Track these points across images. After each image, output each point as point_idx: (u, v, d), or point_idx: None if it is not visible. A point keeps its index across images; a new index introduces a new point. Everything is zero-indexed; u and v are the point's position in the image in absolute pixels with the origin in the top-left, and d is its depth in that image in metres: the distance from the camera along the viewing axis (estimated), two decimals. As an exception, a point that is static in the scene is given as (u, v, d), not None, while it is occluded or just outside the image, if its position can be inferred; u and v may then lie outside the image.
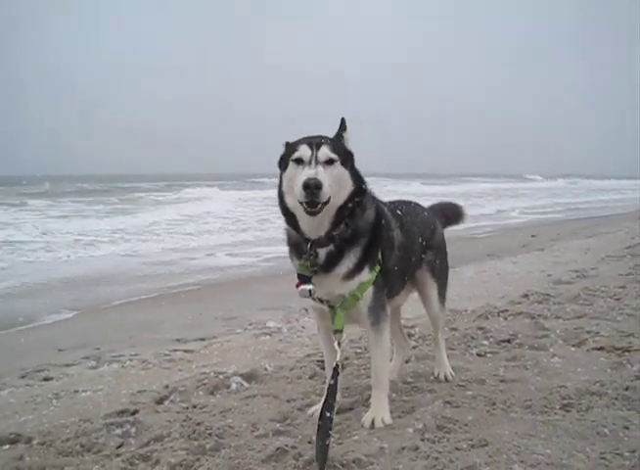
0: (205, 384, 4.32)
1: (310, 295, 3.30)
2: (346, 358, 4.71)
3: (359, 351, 4.93)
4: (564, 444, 3.03)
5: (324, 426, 3.02)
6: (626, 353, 4.45)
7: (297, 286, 3.34)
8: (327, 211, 3.15)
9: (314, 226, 3.23)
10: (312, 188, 2.97)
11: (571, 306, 6.03)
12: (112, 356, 5.80)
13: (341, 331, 3.39)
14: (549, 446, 2.99)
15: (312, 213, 3.08)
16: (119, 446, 3.40)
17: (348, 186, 3.25)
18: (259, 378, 4.44)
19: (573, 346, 4.73)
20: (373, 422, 3.40)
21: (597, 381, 3.86)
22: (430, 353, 4.57)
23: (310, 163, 3.10)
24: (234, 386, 4.30)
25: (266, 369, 4.59)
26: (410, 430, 3.28)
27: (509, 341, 4.83)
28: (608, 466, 2.80)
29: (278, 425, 3.51)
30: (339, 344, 3.38)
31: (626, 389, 3.71)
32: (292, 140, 3.32)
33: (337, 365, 3.32)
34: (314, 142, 3.19)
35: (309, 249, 3.26)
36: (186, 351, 5.83)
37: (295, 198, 3.14)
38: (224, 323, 7.35)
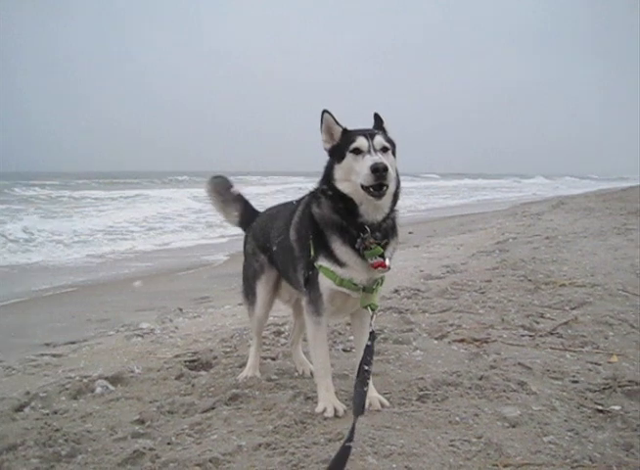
0: (67, 389, 4.18)
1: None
2: (214, 358, 4.71)
3: (228, 350, 4.91)
4: (417, 434, 3.14)
5: (362, 377, 3.17)
6: (484, 345, 4.65)
7: (383, 266, 3.39)
8: (386, 197, 3.34)
9: (375, 211, 3.39)
10: (381, 171, 3.16)
11: (438, 301, 6.24)
12: (-27, 365, 5.51)
13: (375, 307, 3.55)
14: (403, 437, 3.09)
15: (380, 197, 3.26)
16: (-33, 460, 3.24)
17: (396, 174, 3.45)
18: (125, 380, 4.34)
19: (436, 339, 4.89)
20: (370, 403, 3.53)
21: (454, 372, 4.02)
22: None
23: (369, 151, 3.30)
24: (99, 389, 4.18)
25: (133, 371, 4.48)
26: (270, 426, 3.31)
27: (375, 336, 4.90)
28: (456, 452, 2.93)
29: (137, 427, 3.46)
30: (372, 317, 3.53)
31: (480, 378, 3.88)
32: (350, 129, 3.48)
33: (372, 331, 3.47)
34: (368, 133, 3.39)
35: (369, 232, 3.37)
36: (54, 355, 5.61)
37: (353, 184, 3.31)
38: (97, 326, 7.17)
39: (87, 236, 17.32)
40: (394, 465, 2.80)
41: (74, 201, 31.77)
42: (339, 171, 3.38)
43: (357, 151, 3.31)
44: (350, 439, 2.68)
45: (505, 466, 2.80)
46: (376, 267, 3.38)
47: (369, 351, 3.31)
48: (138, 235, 17.84)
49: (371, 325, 3.49)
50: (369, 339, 3.41)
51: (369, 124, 3.58)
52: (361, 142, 3.32)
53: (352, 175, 3.29)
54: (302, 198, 3.85)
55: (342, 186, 3.36)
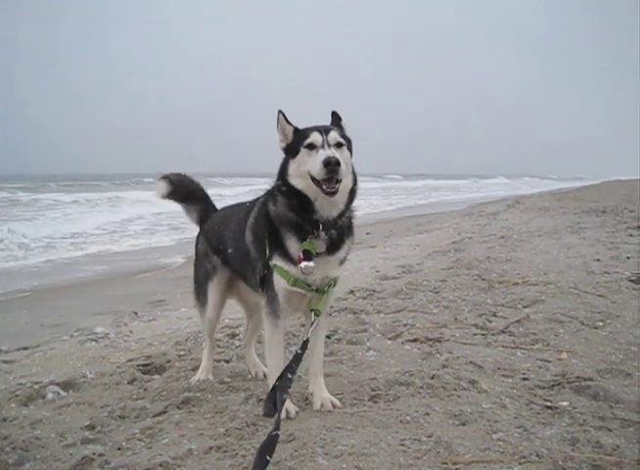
0: (18, 395, 4.10)
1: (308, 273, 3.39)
2: (168, 361, 4.67)
3: (182, 353, 4.88)
4: (368, 433, 3.15)
5: (283, 385, 3.17)
6: (437, 344, 4.69)
7: (299, 260, 3.37)
8: (341, 193, 3.35)
9: (330, 207, 3.40)
10: (333, 165, 3.18)
11: (392, 301, 6.27)
12: None
13: (319, 313, 3.57)
14: (354, 437, 3.10)
15: (332, 193, 3.26)
16: None
17: (352, 171, 3.51)
18: (77, 386, 4.28)
19: (390, 339, 4.91)
20: (322, 404, 3.58)
21: (407, 371, 4.05)
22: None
23: (323, 146, 3.32)
24: (50, 395, 4.11)
25: (85, 376, 4.42)
26: (221, 429, 3.30)
27: (329, 337, 4.91)
28: (406, 451, 2.95)
29: (87, 433, 3.41)
30: (312, 323, 3.54)
31: (432, 377, 3.91)
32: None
33: (307, 339, 3.48)
34: (323, 128, 3.42)
35: (321, 229, 3.39)
36: (5, 361, 5.49)
37: (306, 180, 3.33)
38: (51, 330, 7.06)
39: (49, 240, 16.99)
40: (344, 465, 2.81)
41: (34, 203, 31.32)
42: (292, 166, 3.40)
43: (311, 146, 3.33)
44: (277, 428, 2.87)
45: (454, 464, 2.82)
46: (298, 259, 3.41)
47: (296, 358, 3.35)
48: (97, 239, 17.57)
49: (309, 332, 3.52)
50: (301, 347, 3.45)
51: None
52: (315, 137, 3.34)
53: (312, 168, 3.28)
54: (257, 199, 3.84)
55: (296, 182, 3.38)
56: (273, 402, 3.11)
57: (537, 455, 2.88)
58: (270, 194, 3.59)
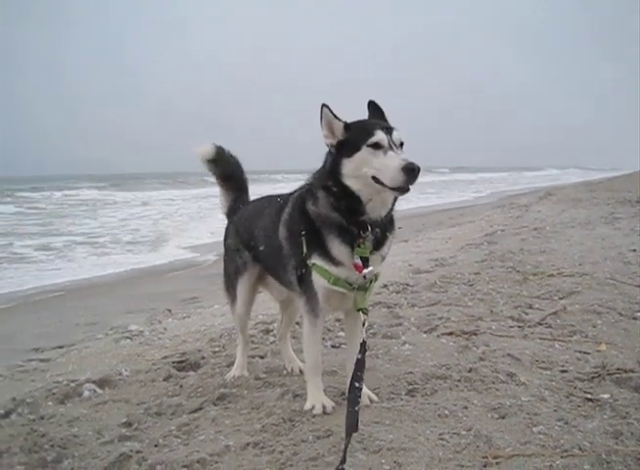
0: (54, 394, 4.13)
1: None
2: (203, 358, 4.68)
3: (217, 349, 4.88)
4: (406, 428, 3.12)
5: (353, 395, 3.05)
6: (473, 337, 4.64)
7: (360, 270, 3.27)
8: None
9: (381, 208, 3.28)
10: (416, 172, 3.00)
11: (426, 294, 6.22)
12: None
13: (367, 311, 3.44)
14: (392, 432, 3.07)
15: (403, 192, 3.11)
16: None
17: None
18: (113, 383, 4.29)
19: (425, 332, 4.87)
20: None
21: (443, 365, 4.00)
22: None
23: (391, 147, 3.12)
24: (86, 393, 4.13)
25: (121, 374, 4.44)
26: (258, 425, 3.29)
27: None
28: (445, 446, 2.91)
29: (124, 430, 3.42)
30: (363, 323, 3.39)
31: (469, 371, 3.86)
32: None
33: (364, 341, 3.31)
34: (384, 126, 3.23)
35: (370, 230, 3.27)
36: (42, 360, 5.58)
37: (366, 181, 3.14)
38: (85, 329, 7.14)
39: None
40: (383, 460, 2.78)
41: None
42: (348, 166, 3.20)
43: (377, 146, 3.12)
44: (343, 461, 2.67)
45: (494, 458, 2.78)
46: (354, 267, 3.29)
47: (359, 364, 3.21)
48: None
49: (362, 333, 3.36)
50: (359, 351, 3.28)
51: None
52: (380, 136, 3.13)
53: (366, 170, 3.13)
54: (290, 194, 3.75)
55: (352, 182, 3.20)
56: (353, 418, 2.94)
57: (580, 449, 2.83)
58: (309, 192, 3.45)
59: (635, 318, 4.98)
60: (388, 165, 3.06)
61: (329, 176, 3.30)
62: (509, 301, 5.72)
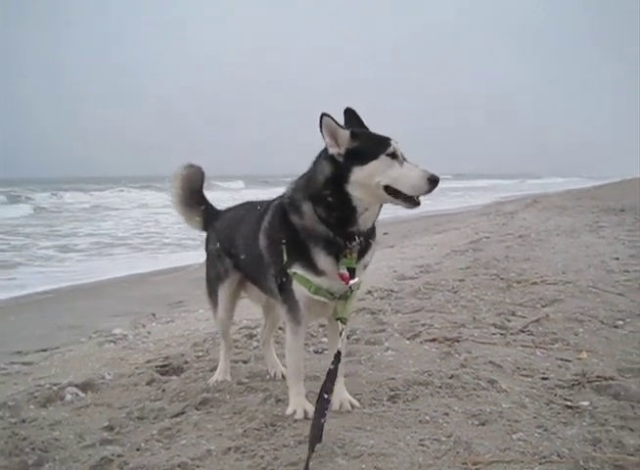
0: (37, 397, 4.11)
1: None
2: (186, 362, 4.68)
3: (200, 354, 4.89)
4: (387, 434, 3.13)
5: (321, 407, 3.05)
6: (456, 343, 4.66)
7: (347, 280, 3.28)
8: None
9: (371, 218, 3.34)
10: (437, 183, 3.11)
11: (410, 301, 6.25)
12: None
13: (345, 321, 3.45)
14: (373, 437, 3.08)
15: (417, 206, 3.21)
16: None
17: None
18: (96, 387, 4.28)
19: (408, 339, 4.88)
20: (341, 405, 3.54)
21: (425, 371, 4.02)
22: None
23: (404, 158, 3.20)
24: (69, 397, 4.12)
25: (104, 378, 4.43)
26: (240, 430, 3.29)
27: (347, 337, 4.89)
28: (425, 451, 2.92)
29: (106, 434, 3.41)
30: (340, 333, 3.40)
31: (451, 377, 3.88)
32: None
33: (338, 352, 3.32)
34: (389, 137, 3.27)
35: (357, 240, 3.29)
36: (24, 363, 5.54)
37: (376, 190, 3.17)
38: (69, 332, 7.08)
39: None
40: (364, 466, 2.79)
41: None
42: (359, 174, 3.16)
43: (394, 155, 3.16)
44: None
45: (474, 464, 2.80)
46: (340, 277, 3.29)
47: (330, 375, 3.22)
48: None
49: (339, 342, 3.38)
50: (332, 362, 3.29)
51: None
52: (395, 146, 3.18)
53: (379, 179, 3.14)
54: (270, 201, 3.73)
55: (357, 190, 3.18)
56: (317, 430, 2.95)
57: (558, 455, 2.85)
58: (291, 204, 3.41)
59: (616, 326, 5.02)
60: (408, 175, 3.13)
61: (326, 185, 3.26)
62: (492, 308, 5.75)
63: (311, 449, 2.82)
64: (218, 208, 4.50)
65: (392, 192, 3.15)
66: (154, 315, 7.40)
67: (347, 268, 3.28)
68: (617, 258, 8.16)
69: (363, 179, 3.16)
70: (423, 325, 5.22)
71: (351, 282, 3.27)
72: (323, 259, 3.30)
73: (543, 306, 5.73)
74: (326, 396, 3.12)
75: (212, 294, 4.22)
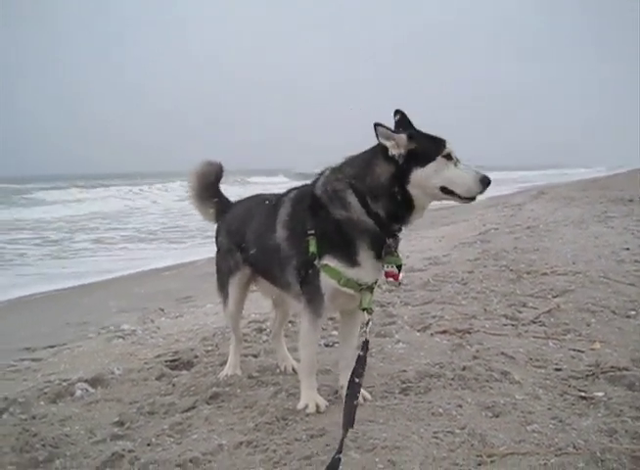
0: (46, 393, 4.10)
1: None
2: (196, 357, 4.65)
3: (210, 348, 4.86)
4: (400, 426, 3.11)
5: (352, 391, 3.05)
6: (467, 335, 4.63)
7: (397, 278, 3.37)
8: None
9: (422, 215, 3.38)
10: (490, 184, 3.22)
11: (420, 293, 6.21)
12: (-50, 373, 5.41)
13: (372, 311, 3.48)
14: (386, 430, 3.06)
15: (472, 201, 3.28)
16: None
17: None
18: (105, 382, 4.26)
19: (418, 331, 4.86)
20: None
21: (437, 363, 4.00)
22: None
23: (457, 159, 3.25)
24: (78, 392, 4.11)
25: (113, 373, 4.41)
26: (251, 424, 3.28)
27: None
28: (439, 444, 2.90)
29: (117, 429, 3.41)
30: (367, 323, 3.41)
31: (463, 369, 3.85)
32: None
33: (367, 340, 3.33)
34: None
35: (398, 236, 3.39)
36: (34, 359, 5.53)
37: (433, 190, 3.22)
38: (77, 328, 7.06)
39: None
40: (377, 459, 2.77)
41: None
42: (419, 175, 3.20)
43: (449, 157, 3.22)
44: (340, 451, 2.66)
45: (489, 456, 2.78)
46: (387, 276, 3.35)
47: (361, 362, 3.21)
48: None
49: (366, 332, 3.37)
50: (362, 349, 3.29)
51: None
52: (451, 148, 3.24)
53: (435, 181, 3.19)
54: (282, 195, 3.74)
55: (417, 190, 3.23)
56: (350, 413, 2.94)
57: (574, 447, 2.82)
58: (332, 195, 3.40)
59: (629, 317, 4.98)
60: (464, 176, 3.20)
61: (390, 183, 3.27)
62: (502, 299, 5.71)
63: (345, 432, 2.82)
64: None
65: (448, 192, 3.22)
66: (162, 310, 7.38)
67: (398, 266, 3.37)
68: (628, 249, 8.09)
69: (422, 180, 3.21)
70: (433, 317, 5.19)
71: (400, 276, 3.36)
72: (364, 252, 3.32)
73: (554, 297, 5.69)
74: (357, 380, 3.11)
75: (223, 287, 4.19)
